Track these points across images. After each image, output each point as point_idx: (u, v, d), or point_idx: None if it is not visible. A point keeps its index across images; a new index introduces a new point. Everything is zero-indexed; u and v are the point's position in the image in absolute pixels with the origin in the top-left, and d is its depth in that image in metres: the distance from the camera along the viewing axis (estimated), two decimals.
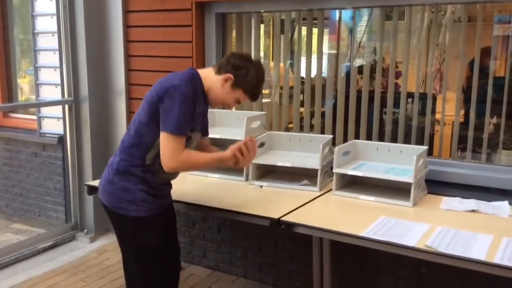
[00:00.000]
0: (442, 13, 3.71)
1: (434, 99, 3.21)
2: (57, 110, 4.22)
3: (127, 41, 3.85)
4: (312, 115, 3.46)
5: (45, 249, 3.96)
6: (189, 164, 2.19)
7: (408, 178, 2.44)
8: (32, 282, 3.45)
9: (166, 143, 2.07)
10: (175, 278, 2.52)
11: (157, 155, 2.12)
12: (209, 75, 2.24)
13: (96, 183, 3.02)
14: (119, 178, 2.20)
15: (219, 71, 2.22)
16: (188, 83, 2.11)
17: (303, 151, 3.01)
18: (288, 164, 2.82)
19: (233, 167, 2.29)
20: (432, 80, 3.22)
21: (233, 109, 2.27)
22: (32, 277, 3.52)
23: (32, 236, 4.22)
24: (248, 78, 2.20)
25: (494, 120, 3.08)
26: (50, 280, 3.48)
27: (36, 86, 4.45)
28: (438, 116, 3.18)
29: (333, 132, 3.27)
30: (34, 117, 4.54)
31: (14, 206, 4.81)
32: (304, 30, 3.55)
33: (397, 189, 2.55)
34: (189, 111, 2.10)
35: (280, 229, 2.27)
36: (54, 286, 3.39)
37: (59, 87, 4.10)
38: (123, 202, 2.19)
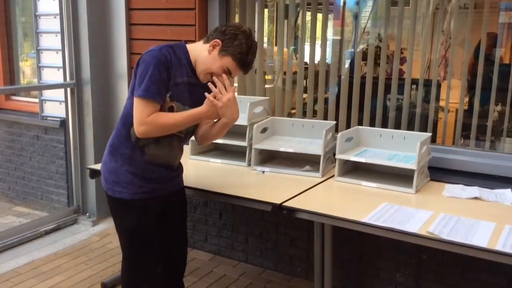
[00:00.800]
0: None
1: (439, 85, 3.19)
2: (59, 93, 4.21)
3: (129, 24, 3.82)
4: (315, 101, 3.45)
5: (47, 232, 3.98)
6: (159, 125, 2.02)
7: (411, 164, 2.43)
8: (34, 264, 3.47)
9: (135, 108, 2.00)
10: (172, 270, 2.45)
11: None
12: (197, 46, 2.15)
13: (98, 166, 3.02)
14: (109, 158, 2.18)
15: (207, 40, 2.12)
16: (164, 49, 2.04)
17: (305, 137, 3.00)
18: (291, 150, 2.81)
19: (220, 121, 2.14)
20: (437, 66, 3.20)
21: (228, 82, 2.06)
22: (35, 260, 3.54)
23: (34, 219, 4.24)
24: (236, 43, 2.05)
25: (499, 107, 3.07)
26: (52, 262, 3.50)
27: (38, 69, 4.43)
28: (442, 103, 3.16)
29: (336, 118, 3.25)
30: (36, 100, 4.53)
31: (17, 189, 4.83)
32: (308, 15, 3.51)
33: (400, 176, 2.54)
34: (159, 76, 1.99)
35: (282, 214, 2.27)
36: (56, 269, 3.41)
37: (61, 70, 4.08)
38: (110, 183, 2.17)
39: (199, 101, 2.11)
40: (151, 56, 2.01)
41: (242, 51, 2.06)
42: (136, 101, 2.00)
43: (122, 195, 2.14)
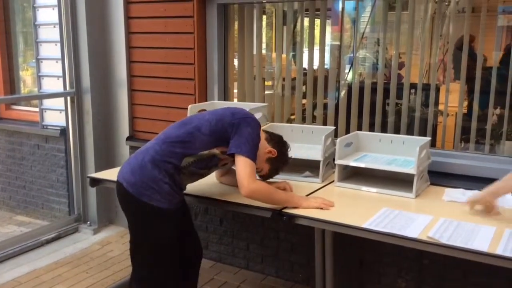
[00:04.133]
0: (446, 3, 3.67)
1: (438, 90, 3.19)
2: (59, 102, 4.22)
3: (128, 32, 3.83)
4: (314, 106, 3.45)
5: (48, 241, 3.97)
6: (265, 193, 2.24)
7: (411, 169, 2.43)
8: (35, 274, 3.47)
9: (242, 166, 2.17)
10: (190, 282, 2.59)
11: (193, 163, 2.24)
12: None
13: (99, 175, 3.03)
14: (152, 167, 2.20)
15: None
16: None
17: (305, 142, 3.00)
18: (290, 156, 2.80)
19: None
20: (435, 70, 3.20)
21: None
22: (36, 269, 3.53)
23: (35, 228, 4.24)
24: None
25: (498, 111, 3.07)
26: (54, 271, 3.50)
27: (38, 78, 4.44)
28: (441, 107, 3.16)
29: (336, 124, 3.25)
30: (37, 109, 4.54)
31: (17, 198, 4.83)
32: (306, 21, 3.52)
33: (399, 181, 2.54)
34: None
35: (282, 220, 2.27)
36: (57, 278, 3.40)
37: (61, 79, 4.09)
38: (149, 190, 2.19)
39: None
40: (254, 120, 2.28)
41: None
42: (244, 160, 2.17)
43: (160, 204, 2.20)
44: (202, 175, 2.39)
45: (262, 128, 2.40)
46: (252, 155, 2.18)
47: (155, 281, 2.31)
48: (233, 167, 2.41)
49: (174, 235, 2.31)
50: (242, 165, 2.16)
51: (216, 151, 2.28)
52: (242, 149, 2.17)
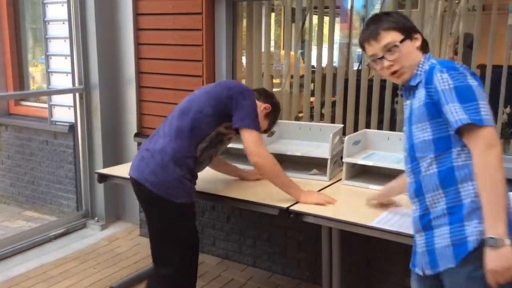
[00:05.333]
0: (456, 1, 3.65)
1: None
2: (68, 99, 4.24)
3: (137, 29, 3.83)
4: (322, 104, 3.44)
5: (57, 237, 4.00)
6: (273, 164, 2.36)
7: None
8: (43, 269, 3.49)
9: (249, 136, 2.27)
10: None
11: (206, 148, 2.34)
12: None
13: (107, 171, 3.05)
14: (174, 165, 2.25)
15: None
16: None
17: (313, 140, 2.99)
18: (298, 153, 2.80)
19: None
20: None
21: None
22: (44, 264, 3.56)
23: (43, 223, 4.27)
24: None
25: (508, 110, 3.04)
26: (61, 267, 3.52)
27: (47, 74, 4.46)
28: None
29: (344, 122, 3.24)
30: (45, 105, 4.57)
31: (26, 193, 4.86)
32: (315, 18, 3.51)
33: None
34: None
35: (289, 218, 2.27)
36: (65, 273, 3.42)
37: (70, 75, 4.11)
38: (175, 189, 2.24)
39: None
40: (248, 91, 2.37)
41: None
42: (250, 131, 2.28)
43: (186, 199, 2.29)
44: (211, 158, 2.48)
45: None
46: (255, 125, 2.30)
47: (185, 272, 2.39)
48: (224, 160, 2.59)
49: (195, 226, 2.41)
50: (249, 136, 2.28)
51: (221, 128, 2.36)
52: (246, 122, 2.28)
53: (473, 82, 1.58)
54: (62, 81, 4.34)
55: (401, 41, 1.73)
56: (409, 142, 1.73)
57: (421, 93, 1.67)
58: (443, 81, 1.59)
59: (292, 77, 3.57)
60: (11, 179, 4.95)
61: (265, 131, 2.56)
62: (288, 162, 2.92)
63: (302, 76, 3.53)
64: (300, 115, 3.62)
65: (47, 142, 4.58)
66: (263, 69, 3.58)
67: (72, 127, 4.29)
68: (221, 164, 2.78)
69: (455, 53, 3.69)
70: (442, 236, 1.61)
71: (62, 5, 4.11)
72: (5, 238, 3.85)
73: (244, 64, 3.64)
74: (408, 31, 1.76)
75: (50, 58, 4.43)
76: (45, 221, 4.45)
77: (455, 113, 1.54)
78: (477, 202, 1.55)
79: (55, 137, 4.50)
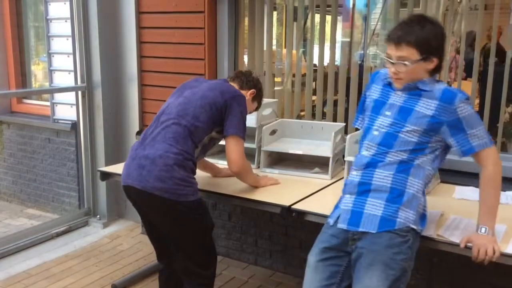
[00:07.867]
0: (458, 0, 3.64)
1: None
2: (70, 97, 4.24)
3: (139, 27, 3.84)
4: (324, 103, 3.44)
5: (59, 234, 4.01)
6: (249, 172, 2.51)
7: None
8: (45, 266, 3.50)
9: (236, 145, 2.34)
10: None
11: (201, 151, 2.39)
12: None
13: (109, 169, 3.06)
14: (178, 168, 2.24)
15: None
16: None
17: (315, 138, 3.00)
18: (300, 152, 2.81)
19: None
20: (447, 68, 3.18)
21: None
22: (46, 262, 3.56)
23: (45, 221, 4.27)
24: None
25: (510, 108, 3.04)
26: (64, 264, 3.53)
27: (50, 72, 4.47)
28: None
29: (346, 120, 3.24)
30: (48, 103, 4.57)
31: (28, 191, 4.87)
32: (317, 17, 3.51)
33: None
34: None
35: (291, 216, 2.27)
36: (67, 271, 3.43)
37: (72, 73, 4.11)
38: (184, 189, 2.24)
39: None
40: (241, 97, 2.41)
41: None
42: (237, 139, 2.34)
43: (197, 196, 2.31)
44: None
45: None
46: (244, 133, 2.36)
47: (210, 262, 2.44)
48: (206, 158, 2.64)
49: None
50: (236, 145, 2.34)
51: (213, 134, 2.39)
52: (236, 130, 2.33)
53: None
54: (64, 79, 4.35)
55: (415, 61, 1.82)
56: (390, 130, 1.90)
57: (430, 104, 1.87)
58: (464, 109, 1.85)
59: (294, 75, 3.57)
60: (14, 177, 4.96)
61: (255, 110, 2.67)
62: (290, 160, 2.93)
63: (304, 75, 3.53)
64: (302, 113, 3.62)
65: (49, 140, 4.59)
66: (264, 68, 3.58)
67: (74, 125, 4.30)
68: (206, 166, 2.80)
69: (457, 52, 3.69)
70: (374, 205, 1.88)
71: (65, 3, 4.12)
72: (7, 236, 3.86)
73: (246, 62, 3.65)
74: (429, 52, 1.84)
75: (53, 56, 4.44)
76: (47, 219, 4.46)
77: (476, 139, 1.87)
78: (418, 198, 1.89)
79: (57, 135, 4.51)
